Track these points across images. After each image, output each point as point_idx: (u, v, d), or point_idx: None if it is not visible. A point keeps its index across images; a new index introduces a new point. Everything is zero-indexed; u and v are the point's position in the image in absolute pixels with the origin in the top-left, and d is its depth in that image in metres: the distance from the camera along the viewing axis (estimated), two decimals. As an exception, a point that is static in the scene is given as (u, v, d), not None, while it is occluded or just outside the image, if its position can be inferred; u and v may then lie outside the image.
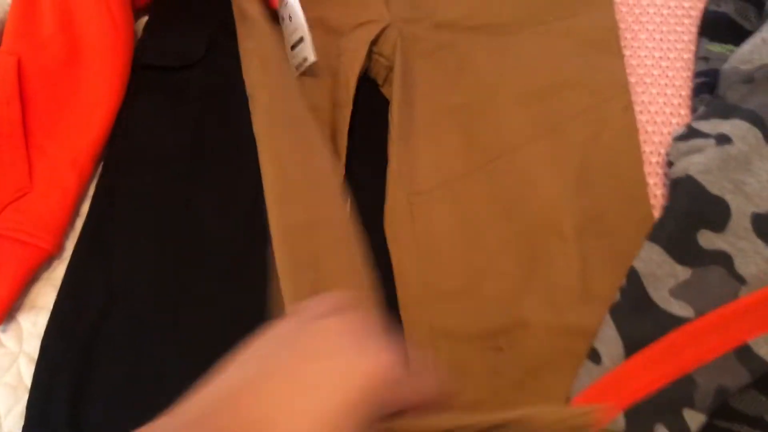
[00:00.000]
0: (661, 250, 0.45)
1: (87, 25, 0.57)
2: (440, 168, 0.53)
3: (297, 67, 0.56)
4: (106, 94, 0.56)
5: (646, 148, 0.54)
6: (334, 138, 0.54)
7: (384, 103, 0.57)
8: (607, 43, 0.57)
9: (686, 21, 0.60)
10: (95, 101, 0.56)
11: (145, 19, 0.63)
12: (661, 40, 0.59)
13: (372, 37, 0.57)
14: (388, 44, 0.58)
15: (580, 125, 0.53)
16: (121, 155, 0.55)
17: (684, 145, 0.50)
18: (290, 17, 0.55)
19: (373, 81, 0.59)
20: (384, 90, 0.58)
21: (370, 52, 0.57)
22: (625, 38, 0.59)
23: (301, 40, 0.55)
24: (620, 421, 0.40)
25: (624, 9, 0.61)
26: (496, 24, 0.59)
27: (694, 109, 0.55)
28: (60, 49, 0.57)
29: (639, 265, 0.45)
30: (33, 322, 0.52)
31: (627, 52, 0.58)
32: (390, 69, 0.57)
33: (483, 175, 0.53)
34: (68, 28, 0.57)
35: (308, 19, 0.55)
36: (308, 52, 0.55)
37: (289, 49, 0.56)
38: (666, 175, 0.52)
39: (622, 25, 0.59)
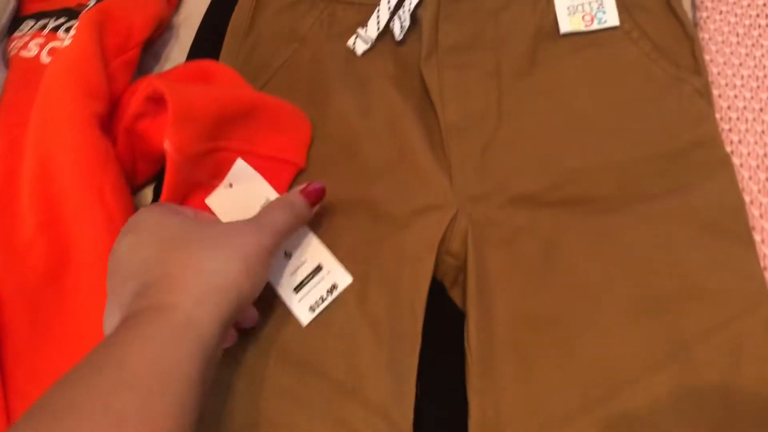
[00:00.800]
0: None
1: (76, 220, 0.45)
2: (536, 412, 0.41)
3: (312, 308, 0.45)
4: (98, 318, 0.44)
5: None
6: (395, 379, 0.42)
7: (454, 310, 0.45)
8: (732, 229, 0.45)
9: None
10: (83, 331, 0.43)
11: (144, 192, 0.51)
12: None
13: (440, 236, 0.45)
14: (456, 238, 0.46)
15: (712, 351, 0.42)
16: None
17: None
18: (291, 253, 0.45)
19: (438, 283, 0.46)
20: (452, 294, 0.46)
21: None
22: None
23: (317, 269, 0.44)
24: None
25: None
26: (588, 198, 0.47)
27: None
28: (42, 258, 0.45)
29: None
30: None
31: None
32: (459, 270, 0.45)
33: (592, 421, 0.41)
34: (53, 226, 0.45)
35: (346, 204, 0.46)
36: (339, 277, 0.44)
37: (292, 293, 0.44)
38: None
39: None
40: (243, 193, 0.47)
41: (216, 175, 0.47)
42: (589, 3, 0.50)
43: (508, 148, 0.48)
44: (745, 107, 0.49)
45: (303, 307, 0.44)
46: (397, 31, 0.51)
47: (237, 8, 0.56)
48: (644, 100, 0.48)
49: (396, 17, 0.52)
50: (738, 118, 0.49)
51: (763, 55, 0.51)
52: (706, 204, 0.45)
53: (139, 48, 0.52)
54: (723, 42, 0.51)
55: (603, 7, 0.50)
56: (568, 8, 0.50)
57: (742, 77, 0.50)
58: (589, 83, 0.49)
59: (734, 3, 0.53)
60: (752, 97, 0.49)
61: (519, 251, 0.46)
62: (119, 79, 0.50)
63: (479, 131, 0.49)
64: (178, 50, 0.59)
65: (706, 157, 0.46)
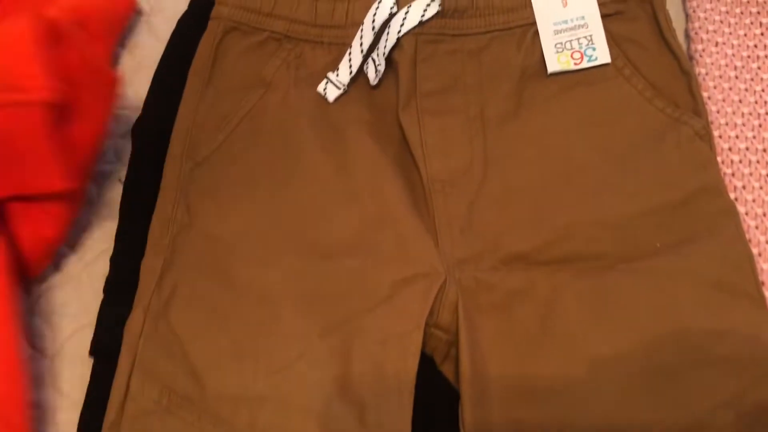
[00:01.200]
0: None
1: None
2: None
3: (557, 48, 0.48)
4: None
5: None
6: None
7: (446, 386, 0.42)
8: (740, 287, 0.42)
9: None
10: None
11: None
12: None
13: (428, 309, 0.41)
14: (446, 309, 0.42)
15: (727, 427, 0.38)
16: None
17: None
18: None
19: (428, 357, 0.43)
20: (444, 369, 0.42)
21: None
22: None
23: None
24: None
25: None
26: (584, 256, 0.43)
27: None
28: None
29: None
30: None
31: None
32: (451, 344, 0.42)
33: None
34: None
35: (321, 275, 0.43)
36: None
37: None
38: None
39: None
40: None
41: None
42: (578, 39, 0.46)
43: (496, 204, 0.44)
44: (747, 148, 0.46)
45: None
46: (372, 76, 0.47)
47: (198, 50, 0.51)
48: (640, 145, 0.44)
49: (370, 60, 0.47)
50: (740, 161, 0.46)
51: (763, 90, 0.47)
52: (712, 260, 0.42)
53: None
54: (721, 77, 0.48)
55: (592, 43, 0.46)
56: (555, 46, 0.46)
57: (743, 115, 0.47)
58: (581, 127, 0.45)
59: (730, 33, 0.49)
60: (754, 137, 0.46)
61: (513, 318, 0.42)
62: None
63: (465, 185, 0.45)
64: (132, 95, 0.54)
65: (710, 207, 0.43)
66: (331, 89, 0.48)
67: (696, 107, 0.45)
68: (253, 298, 0.43)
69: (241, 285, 0.44)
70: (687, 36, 0.51)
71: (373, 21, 0.47)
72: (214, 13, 0.51)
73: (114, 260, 0.47)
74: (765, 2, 0.50)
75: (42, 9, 0.46)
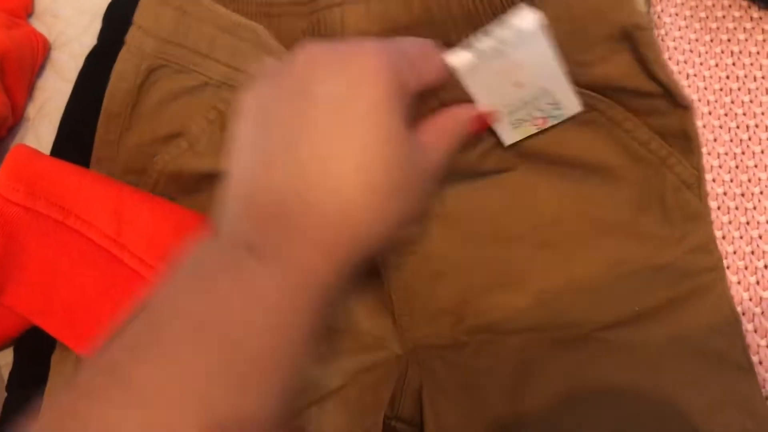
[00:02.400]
0: None
1: None
2: None
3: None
4: None
5: None
6: None
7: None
8: (729, 354, 0.38)
9: None
10: None
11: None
12: None
13: (386, 400, 0.36)
14: (408, 397, 0.37)
15: None
16: None
17: None
18: None
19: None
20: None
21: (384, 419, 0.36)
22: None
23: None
24: None
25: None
26: (558, 323, 0.39)
27: None
28: None
29: None
30: None
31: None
32: (417, 436, 0.37)
33: None
34: None
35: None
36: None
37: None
38: None
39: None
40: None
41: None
42: (539, 109, 0.36)
43: (458, 268, 0.39)
44: (725, 193, 0.42)
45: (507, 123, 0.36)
46: None
47: (114, 90, 0.44)
48: (619, 198, 0.39)
49: None
50: (719, 207, 0.42)
51: (738, 127, 0.44)
52: (697, 326, 0.38)
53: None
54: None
55: (558, 107, 0.37)
56: (511, 124, 0.37)
57: (719, 156, 0.43)
58: (550, 177, 0.40)
59: (701, 64, 0.45)
60: (732, 180, 0.43)
61: (482, 399, 0.37)
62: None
63: (422, 249, 0.39)
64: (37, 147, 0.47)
65: (695, 267, 0.39)
66: None
67: (687, 147, 0.39)
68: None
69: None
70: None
71: None
72: (131, 39, 0.44)
73: (17, 352, 0.41)
74: (735, 29, 0.46)
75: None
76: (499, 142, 0.39)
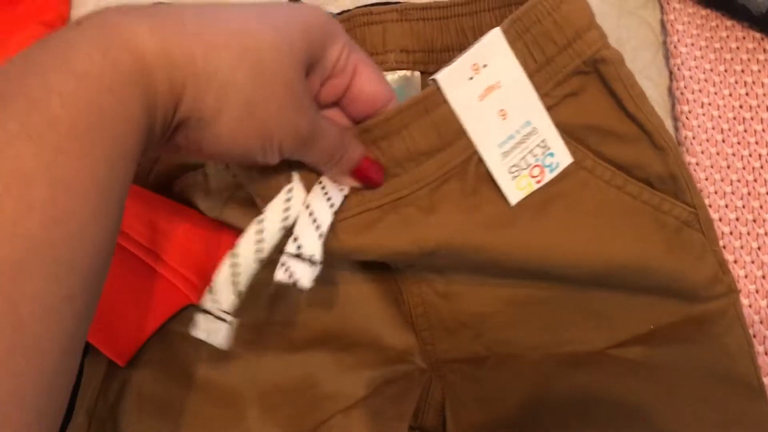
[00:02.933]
0: None
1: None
2: None
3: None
4: None
5: None
6: None
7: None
8: (742, 377, 0.39)
9: None
10: None
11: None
12: None
13: (411, 411, 0.37)
14: (432, 409, 0.38)
15: None
16: None
17: None
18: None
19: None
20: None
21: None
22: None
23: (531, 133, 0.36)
24: None
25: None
26: (574, 339, 0.40)
27: None
28: None
29: None
30: None
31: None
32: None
33: None
34: None
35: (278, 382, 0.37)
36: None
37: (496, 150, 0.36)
38: None
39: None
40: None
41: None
42: (531, 151, 0.36)
43: (475, 293, 0.41)
44: (737, 218, 0.44)
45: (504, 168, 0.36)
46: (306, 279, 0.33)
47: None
48: (622, 247, 0.38)
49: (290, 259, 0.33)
50: (731, 232, 0.44)
51: (750, 155, 0.45)
52: (709, 349, 0.39)
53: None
54: (708, 140, 0.46)
55: (549, 149, 0.36)
56: (509, 171, 0.36)
57: (731, 182, 0.45)
58: (555, 239, 0.38)
59: (715, 93, 0.47)
60: (744, 206, 0.44)
61: (501, 412, 0.39)
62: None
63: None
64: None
65: (705, 292, 0.40)
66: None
67: (677, 187, 0.39)
68: (213, 397, 0.39)
69: (199, 381, 0.39)
70: (672, 95, 0.48)
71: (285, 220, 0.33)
72: None
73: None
74: (748, 60, 0.48)
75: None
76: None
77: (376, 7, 0.42)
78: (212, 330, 0.33)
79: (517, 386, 0.39)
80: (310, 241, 0.32)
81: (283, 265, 0.32)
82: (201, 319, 0.33)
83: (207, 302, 0.32)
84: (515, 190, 0.36)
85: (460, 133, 0.35)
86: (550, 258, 0.37)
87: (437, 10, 0.41)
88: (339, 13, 0.43)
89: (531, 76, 0.35)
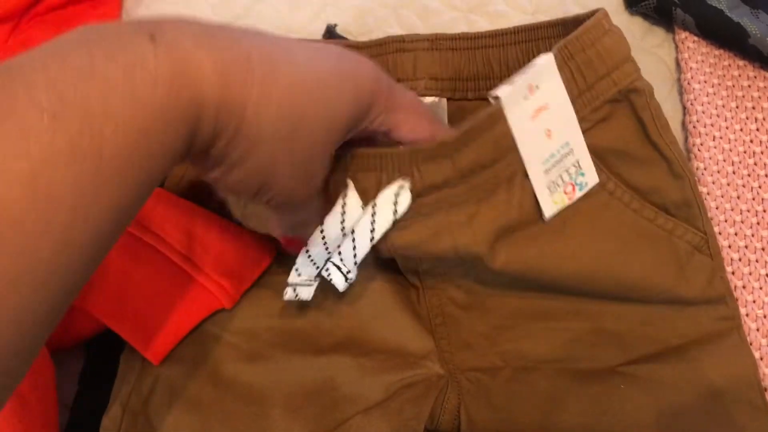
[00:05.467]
0: None
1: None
2: None
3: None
4: None
5: None
6: None
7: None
8: (746, 397, 0.41)
9: None
10: None
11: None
12: None
13: (427, 414, 0.39)
14: (447, 413, 0.40)
15: None
16: None
17: None
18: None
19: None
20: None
21: None
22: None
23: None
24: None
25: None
26: (585, 356, 0.42)
27: None
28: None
29: None
30: None
31: None
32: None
33: None
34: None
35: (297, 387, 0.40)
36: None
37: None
38: None
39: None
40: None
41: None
42: (567, 170, 0.40)
43: (491, 302, 0.43)
44: (746, 246, 0.46)
45: (545, 184, 0.38)
46: (341, 285, 0.39)
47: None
48: (635, 266, 0.41)
49: (332, 266, 0.38)
50: (740, 259, 0.45)
51: (760, 187, 0.47)
52: (715, 368, 0.41)
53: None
54: (719, 172, 0.48)
55: (581, 169, 0.40)
56: (548, 188, 0.39)
57: (741, 212, 0.47)
58: (573, 253, 0.41)
59: (727, 128, 0.49)
60: (753, 235, 0.46)
61: (515, 421, 0.40)
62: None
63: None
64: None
65: (711, 314, 0.42)
66: (302, 290, 0.40)
67: (690, 214, 0.41)
68: (240, 395, 0.41)
69: (227, 380, 0.41)
70: (684, 129, 0.51)
71: (342, 228, 0.37)
72: None
73: (89, 350, 0.45)
74: (759, 97, 0.50)
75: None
76: None
77: (409, 35, 0.45)
78: (303, 291, 0.39)
79: (531, 398, 0.41)
80: (348, 257, 0.37)
81: (326, 270, 0.37)
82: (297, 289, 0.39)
83: (295, 279, 0.38)
84: (552, 204, 0.39)
85: (512, 147, 0.37)
86: (566, 272, 0.39)
87: (466, 41, 0.44)
88: (371, 41, 0.46)
89: (573, 101, 0.38)
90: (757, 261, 0.45)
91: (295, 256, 0.37)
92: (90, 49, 0.23)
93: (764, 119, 0.49)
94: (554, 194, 0.39)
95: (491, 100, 0.37)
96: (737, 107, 0.50)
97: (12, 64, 0.22)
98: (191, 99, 0.24)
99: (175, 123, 0.24)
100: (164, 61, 0.23)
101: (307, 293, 0.39)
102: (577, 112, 0.38)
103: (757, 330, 0.43)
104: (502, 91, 0.36)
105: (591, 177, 0.40)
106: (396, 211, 0.36)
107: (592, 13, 0.39)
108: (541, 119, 0.37)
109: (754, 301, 0.44)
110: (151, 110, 0.23)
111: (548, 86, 0.37)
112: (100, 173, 0.22)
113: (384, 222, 0.36)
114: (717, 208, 0.46)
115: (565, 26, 0.42)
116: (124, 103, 0.22)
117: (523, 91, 0.37)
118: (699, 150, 0.48)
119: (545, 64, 0.37)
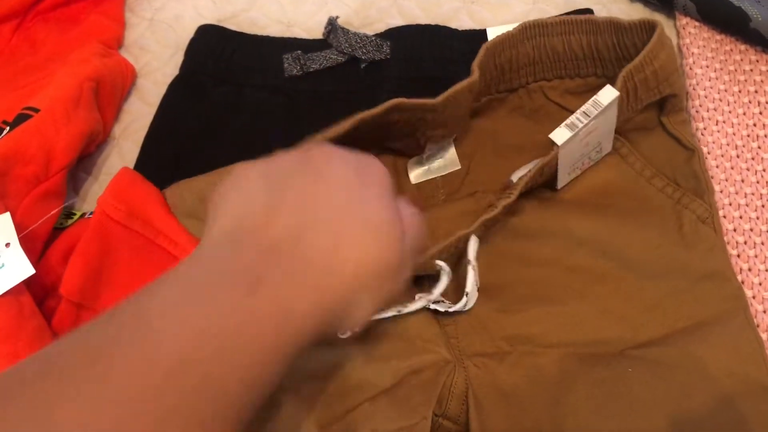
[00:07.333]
0: None
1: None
2: None
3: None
4: None
5: None
6: None
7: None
8: (753, 376, 0.41)
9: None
10: None
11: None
12: None
13: (435, 399, 0.39)
14: (455, 399, 0.40)
15: None
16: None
17: None
18: None
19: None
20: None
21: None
22: None
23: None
24: None
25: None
26: (593, 340, 0.42)
27: None
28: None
29: None
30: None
31: None
32: (462, 435, 0.40)
33: None
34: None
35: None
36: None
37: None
38: None
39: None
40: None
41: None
42: (588, 154, 0.44)
43: (496, 284, 0.43)
44: (751, 229, 0.46)
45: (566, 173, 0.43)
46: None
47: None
48: (641, 232, 0.44)
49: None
50: (746, 242, 0.45)
51: (764, 170, 0.47)
52: (722, 349, 0.41)
53: (62, 174, 0.46)
54: (722, 156, 0.48)
55: (600, 150, 0.44)
56: (569, 173, 0.44)
57: (746, 195, 0.47)
58: (581, 215, 0.45)
59: (730, 112, 0.49)
60: (758, 218, 0.46)
61: (523, 406, 0.41)
62: (37, 212, 0.43)
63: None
64: (120, 163, 0.52)
65: (717, 294, 0.42)
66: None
67: (698, 187, 0.45)
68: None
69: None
70: (687, 114, 0.51)
71: None
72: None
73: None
74: (762, 81, 0.50)
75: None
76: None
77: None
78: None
79: (539, 383, 0.41)
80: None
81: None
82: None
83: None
84: (566, 178, 0.44)
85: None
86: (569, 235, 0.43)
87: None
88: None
89: (619, 112, 0.42)
90: (762, 243, 0.45)
91: None
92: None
93: (767, 103, 0.49)
94: (572, 174, 0.44)
95: (553, 142, 0.40)
96: (740, 91, 0.50)
97: None
98: (292, 347, 0.27)
99: (283, 362, 0.27)
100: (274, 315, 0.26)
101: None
102: (618, 116, 0.42)
103: (764, 312, 0.43)
104: (560, 137, 0.40)
105: (606, 150, 0.44)
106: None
107: (646, 23, 0.43)
108: (586, 136, 0.41)
109: (760, 284, 0.44)
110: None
111: (604, 118, 0.41)
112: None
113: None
114: (721, 192, 0.47)
115: (617, 30, 0.44)
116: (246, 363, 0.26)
117: (581, 135, 0.40)
118: (702, 134, 0.48)
119: (609, 105, 0.40)
